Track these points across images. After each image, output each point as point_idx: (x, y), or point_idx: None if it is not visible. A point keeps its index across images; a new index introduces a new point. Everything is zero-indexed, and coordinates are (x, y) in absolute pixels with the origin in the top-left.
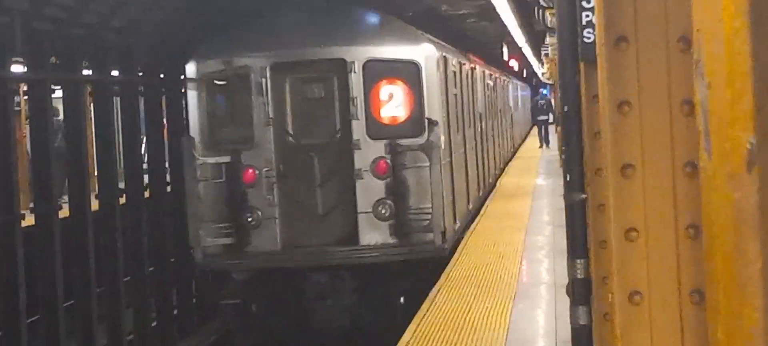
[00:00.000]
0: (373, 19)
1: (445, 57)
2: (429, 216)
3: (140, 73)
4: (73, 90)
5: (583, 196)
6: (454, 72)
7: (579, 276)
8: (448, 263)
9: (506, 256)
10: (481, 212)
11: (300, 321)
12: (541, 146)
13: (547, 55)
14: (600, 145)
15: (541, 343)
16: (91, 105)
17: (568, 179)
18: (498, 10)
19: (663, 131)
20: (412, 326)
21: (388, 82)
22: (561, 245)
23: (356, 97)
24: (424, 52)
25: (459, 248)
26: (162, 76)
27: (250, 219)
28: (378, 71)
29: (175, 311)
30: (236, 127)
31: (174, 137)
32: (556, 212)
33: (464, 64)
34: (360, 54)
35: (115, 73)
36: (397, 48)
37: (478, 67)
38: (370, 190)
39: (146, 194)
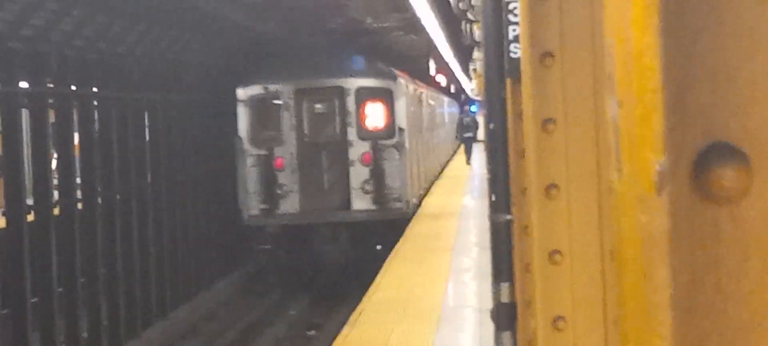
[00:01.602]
0: (361, 61)
1: (407, 85)
2: (398, 191)
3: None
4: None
5: (508, 217)
6: (412, 95)
7: (504, 300)
8: (408, 223)
9: (432, 278)
10: (405, 233)
11: (311, 261)
12: (468, 163)
13: (475, 70)
14: (526, 165)
15: None
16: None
17: (493, 199)
18: (424, 23)
19: (588, 151)
20: None
21: (372, 102)
22: (487, 267)
23: (350, 112)
24: (395, 83)
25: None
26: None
27: (279, 192)
28: (365, 94)
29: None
30: (270, 131)
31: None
32: (483, 233)
33: (417, 89)
34: (353, 83)
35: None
36: (377, 80)
37: (423, 90)
38: (359, 173)
39: None
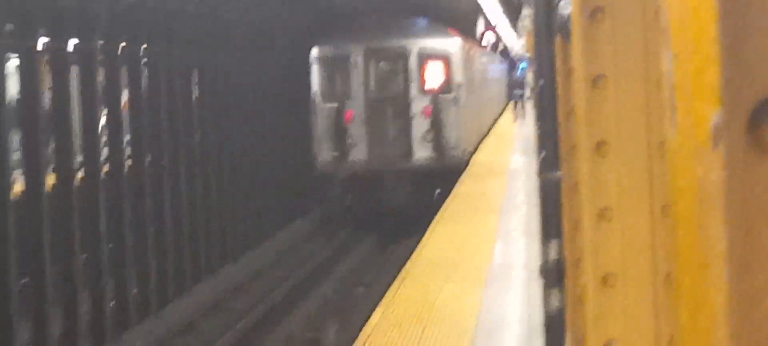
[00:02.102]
0: (423, 22)
1: (463, 45)
2: (455, 141)
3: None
4: None
5: (558, 174)
6: (467, 55)
7: (552, 258)
8: (464, 170)
9: (479, 237)
10: (453, 190)
11: (377, 205)
12: (515, 121)
13: (524, 27)
14: (575, 122)
15: (514, 326)
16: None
17: (542, 157)
18: None
19: (639, 108)
20: (378, 311)
21: (432, 60)
22: (536, 226)
23: (413, 70)
24: (453, 44)
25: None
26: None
27: (349, 141)
28: (426, 54)
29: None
30: (341, 87)
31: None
32: (531, 192)
33: (471, 48)
34: (415, 45)
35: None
36: (437, 40)
37: (477, 50)
38: (420, 125)
39: None
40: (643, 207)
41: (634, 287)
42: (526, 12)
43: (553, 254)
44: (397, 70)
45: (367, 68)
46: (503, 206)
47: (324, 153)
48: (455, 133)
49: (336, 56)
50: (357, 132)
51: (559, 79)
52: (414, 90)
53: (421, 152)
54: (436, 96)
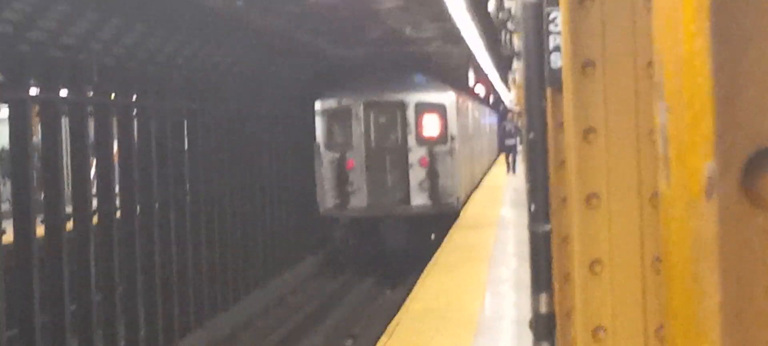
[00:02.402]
0: (420, 78)
1: (458, 98)
2: (451, 188)
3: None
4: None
5: (548, 227)
6: (461, 107)
7: (543, 311)
8: (458, 215)
9: (469, 288)
10: (443, 242)
11: (376, 246)
12: (508, 172)
13: (514, 80)
14: (566, 175)
15: None
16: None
17: (532, 209)
18: (463, 33)
19: (630, 160)
20: None
21: (428, 113)
22: (526, 278)
23: (410, 123)
24: (448, 98)
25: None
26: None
27: (349, 189)
28: (422, 108)
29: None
30: (342, 137)
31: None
32: (521, 243)
33: (464, 101)
34: (412, 98)
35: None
36: (433, 94)
37: (470, 103)
38: (417, 174)
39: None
40: (634, 260)
41: (625, 341)
42: (517, 65)
43: (543, 307)
44: (395, 122)
45: (368, 120)
46: (493, 258)
47: (327, 199)
48: (450, 182)
49: (338, 109)
50: (358, 180)
51: (550, 131)
52: (411, 140)
53: (418, 199)
54: (432, 146)
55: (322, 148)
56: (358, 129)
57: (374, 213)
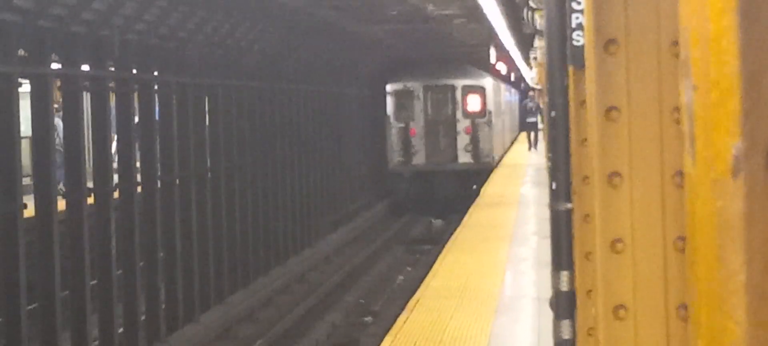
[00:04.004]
0: (468, 67)
1: (494, 82)
2: (488, 150)
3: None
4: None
5: (569, 205)
6: (495, 88)
7: (563, 289)
8: (493, 170)
9: (489, 266)
10: (464, 220)
11: (431, 194)
12: (529, 149)
13: (535, 58)
14: (587, 153)
15: None
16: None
17: (553, 187)
18: (485, 11)
19: (652, 139)
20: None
21: (472, 94)
22: (546, 256)
23: (458, 101)
24: (487, 82)
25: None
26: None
27: (412, 150)
28: (467, 89)
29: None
30: (407, 112)
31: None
32: (542, 222)
33: (498, 84)
34: (460, 82)
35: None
36: (476, 80)
37: (502, 84)
38: (463, 139)
39: None
40: (656, 238)
41: (646, 319)
42: (538, 43)
43: (564, 285)
44: (446, 100)
45: (426, 99)
46: (513, 236)
47: (395, 158)
48: (488, 145)
49: (403, 90)
50: (418, 143)
51: (571, 109)
52: (459, 114)
53: (464, 158)
54: (474, 118)
55: (391, 120)
56: (418, 106)
57: (430, 168)
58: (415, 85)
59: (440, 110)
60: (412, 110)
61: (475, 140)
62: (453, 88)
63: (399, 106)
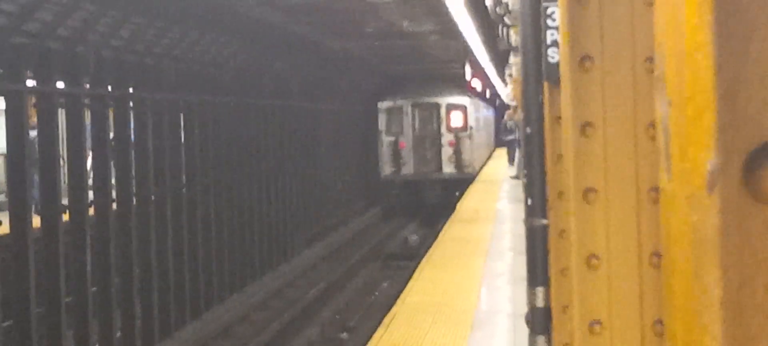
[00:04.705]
0: (451, 87)
1: (474, 100)
2: (470, 161)
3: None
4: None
5: (545, 221)
6: (475, 106)
7: (539, 305)
8: (473, 180)
9: (465, 282)
10: (439, 235)
11: (419, 201)
12: (510, 163)
13: (510, 75)
14: (563, 169)
15: None
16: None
17: (529, 203)
18: (460, 28)
19: (627, 155)
20: None
21: (455, 111)
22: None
23: (442, 117)
24: (468, 100)
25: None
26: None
27: (401, 162)
28: (451, 107)
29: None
30: (396, 127)
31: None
32: (517, 238)
33: (477, 103)
34: (444, 100)
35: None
36: (458, 98)
37: (480, 103)
38: (447, 151)
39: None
40: (632, 254)
41: (622, 335)
42: (514, 60)
43: (539, 301)
44: (432, 117)
45: (414, 115)
46: (489, 252)
47: (386, 168)
48: (469, 157)
49: (393, 107)
50: (407, 155)
51: (546, 126)
52: (443, 129)
53: (448, 168)
54: (457, 133)
55: (383, 134)
56: (407, 121)
57: (418, 178)
58: (404, 103)
59: (426, 126)
60: (402, 125)
61: (458, 152)
62: (438, 105)
63: (390, 122)
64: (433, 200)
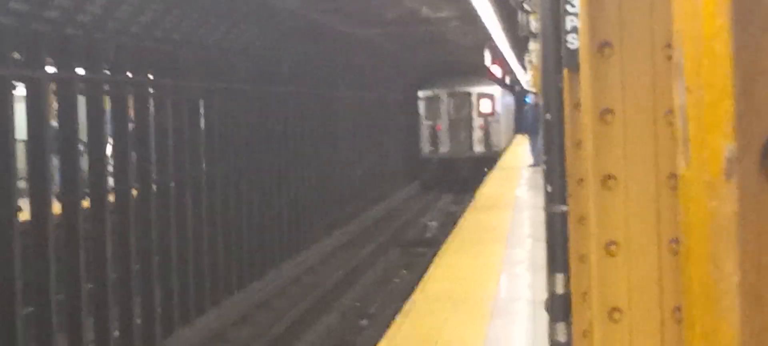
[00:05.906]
0: (482, 79)
1: (501, 90)
2: (497, 141)
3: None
4: None
5: (564, 208)
6: (501, 95)
7: (558, 292)
8: (500, 157)
9: (484, 270)
10: (459, 223)
11: (455, 176)
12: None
13: (530, 61)
14: (582, 156)
15: None
16: None
17: (549, 190)
18: (480, 14)
19: (647, 141)
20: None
21: (484, 99)
22: (541, 259)
23: (474, 104)
24: (496, 90)
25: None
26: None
27: (438, 142)
28: (481, 95)
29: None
30: (434, 113)
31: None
32: (536, 225)
33: (503, 91)
34: (475, 90)
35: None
36: (488, 88)
37: (505, 91)
38: (477, 134)
39: None
40: (651, 241)
41: (641, 321)
42: (533, 46)
43: (559, 288)
44: (465, 104)
45: (449, 102)
46: (508, 239)
47: (425, 148)
48: (496, 138)
49: (432, 96)
50: (443, 137)
51: (566, 112)
52: (474, 114)
53: (478, 148)
54: (486, 118)
55: (423, 119)
56: (443, 108)
57: (452, 156)
58: (441, 92)
59: (460, 111)
60: (439, 111)
61: (486, 134)
62: (470, 94)
63: (428, 108)
64: (466, 174)
